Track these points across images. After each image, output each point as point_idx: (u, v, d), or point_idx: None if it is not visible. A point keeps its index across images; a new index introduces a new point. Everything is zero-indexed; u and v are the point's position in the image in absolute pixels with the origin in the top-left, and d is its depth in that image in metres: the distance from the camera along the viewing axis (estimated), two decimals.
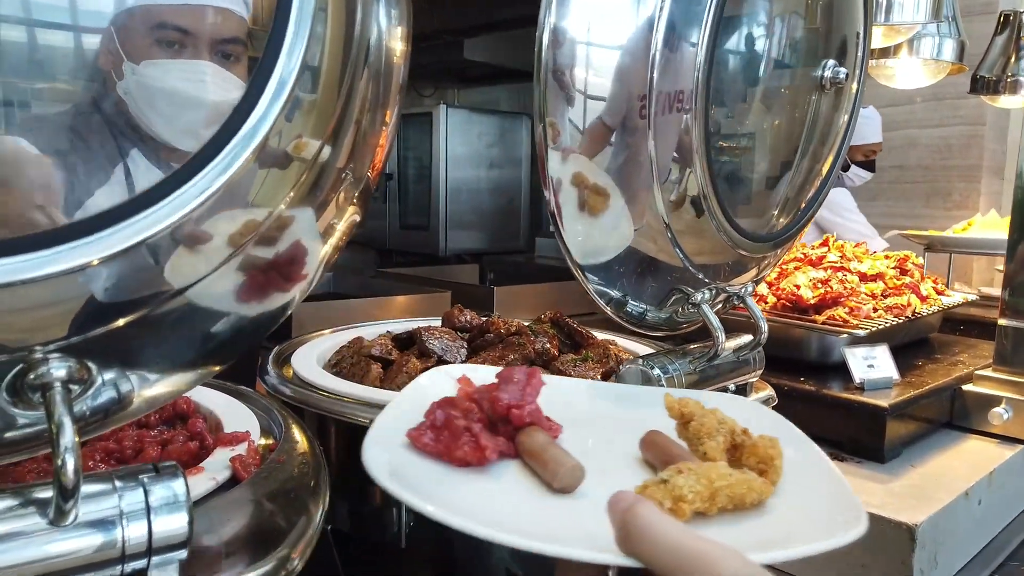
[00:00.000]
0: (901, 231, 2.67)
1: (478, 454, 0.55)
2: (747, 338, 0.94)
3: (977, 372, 1.53)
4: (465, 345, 1.08)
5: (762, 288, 1.67)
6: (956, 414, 1.54)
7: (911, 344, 1.78)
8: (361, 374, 0.99)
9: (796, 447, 0.59)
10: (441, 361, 1.05)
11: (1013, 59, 2.24)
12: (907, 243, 2.79)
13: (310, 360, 1.04)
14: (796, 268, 1.70)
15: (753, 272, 0.94)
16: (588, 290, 0.80)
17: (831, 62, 0.79)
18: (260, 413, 0.81)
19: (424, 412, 0.59)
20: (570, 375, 1.04)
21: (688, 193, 0.73)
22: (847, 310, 1.53)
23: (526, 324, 1.12)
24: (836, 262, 1.71)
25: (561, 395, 0.66)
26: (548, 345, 1.07)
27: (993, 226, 2.45)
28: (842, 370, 1.47)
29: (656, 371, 0.82)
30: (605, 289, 0.81)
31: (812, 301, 1.55)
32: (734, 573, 0.41)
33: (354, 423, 0.86)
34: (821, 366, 1.53)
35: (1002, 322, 1.53)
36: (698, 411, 0.60)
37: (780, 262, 1.01)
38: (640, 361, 0.82)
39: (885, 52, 1.76)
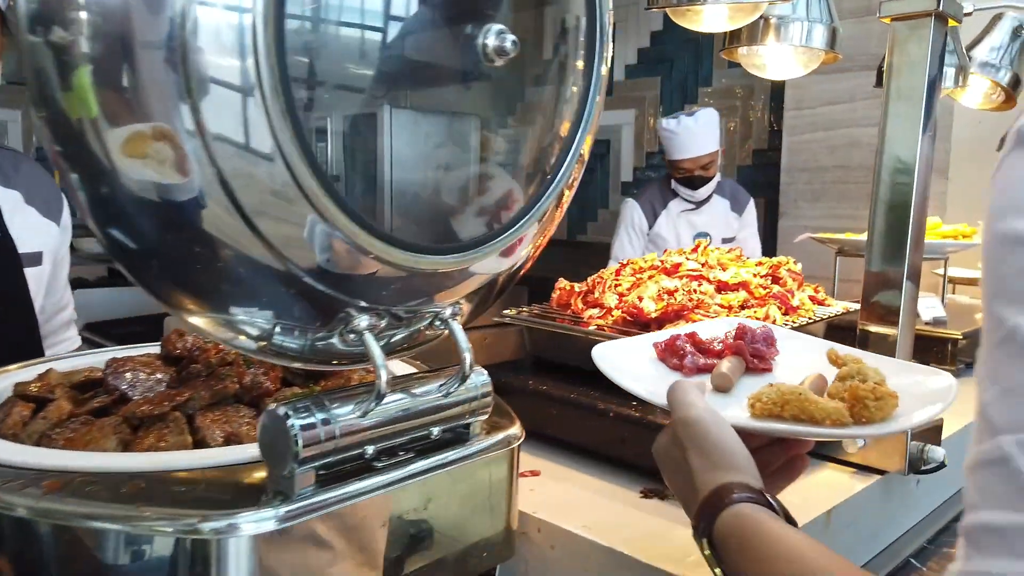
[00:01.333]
0: (813, 234, 2.51)
1: (678, 366, 0.94)
2: (455, 375, 0.77)
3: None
4: (166, 380, 0.91)
5: (611, 299, 1.50)
6: None
7: None
8: (2, 418, 0.82)
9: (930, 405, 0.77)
10: (125, 398, 0.87)
11: None
12: (822, 248, 2.63)
13: None
14: (650, 277, 1.54)
15: (467, 287, 0.77)
16: (192, 326, 0.63)
17: (495, 27, 0.62)
18: None
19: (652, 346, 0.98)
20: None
21: (282, 193, 0.56)
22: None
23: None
24: (695, 270, 1.55)
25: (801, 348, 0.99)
26: (262, 378, 0.90)
27: None
28: None
29: (294, 421, 0.64)
30: (227, 316, 0.64)
31: (653, 315, 1.38)
32: (680, 401, 0.76)
33: None
34: None
35: (864, 328, 1.37)
36: (851, 362, 0.85)
37: (520, 268, 0.84)
38: (281, 410, 0.65)
39: (753, 38, 1.61)
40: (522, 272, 0.90)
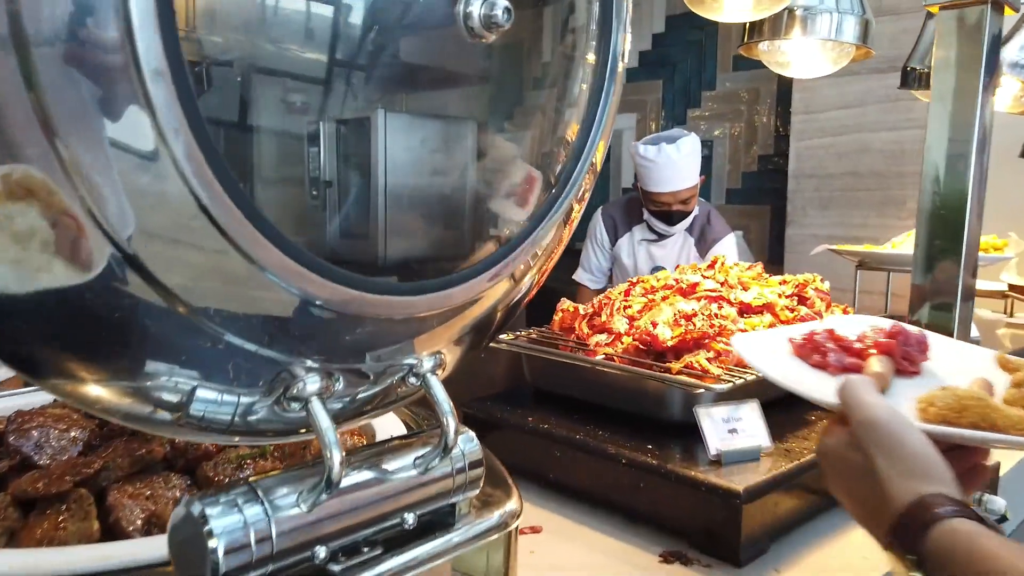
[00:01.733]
0: (831, 246, 2.35)
1: (820, 363, 0.83)
2: (433, 444, 0.60)
3: None
4: (83, 438, 0.74)
5: (620, 324, 1.33)
6: None
7: None
8: None
9: None
10: (27, 465, 0.71)
11: None
12: (840, 260, 2.47)
13: None
14: (664, 299, 1.37)
15: (451, 329, 0.60)
16: (77, 399, 0.46)
17: None
18: None
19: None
20: (218, 481, 0.70)
21: (174, 208, 0.40)
22: (712, 355, 1.20)
23: None
24: (714, 290, 1.38)
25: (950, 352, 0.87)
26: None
27: None
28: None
29: (213, 524, 0.48)
30: (122, 384, 0.47)
31: (670, 343, 1.22)
32: (860, 400, 0.67)
33: None
34: (686, 426, 1.20)
35: None
36: None
37: (523, 297, 0.68)
38: (196, 507, 0.48)
39: (776, 31, 1.44)
40: (526, 301, 0.73)
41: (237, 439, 0.56)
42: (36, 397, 0.91)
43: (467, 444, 0.64)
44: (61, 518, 0.60)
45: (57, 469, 0.65)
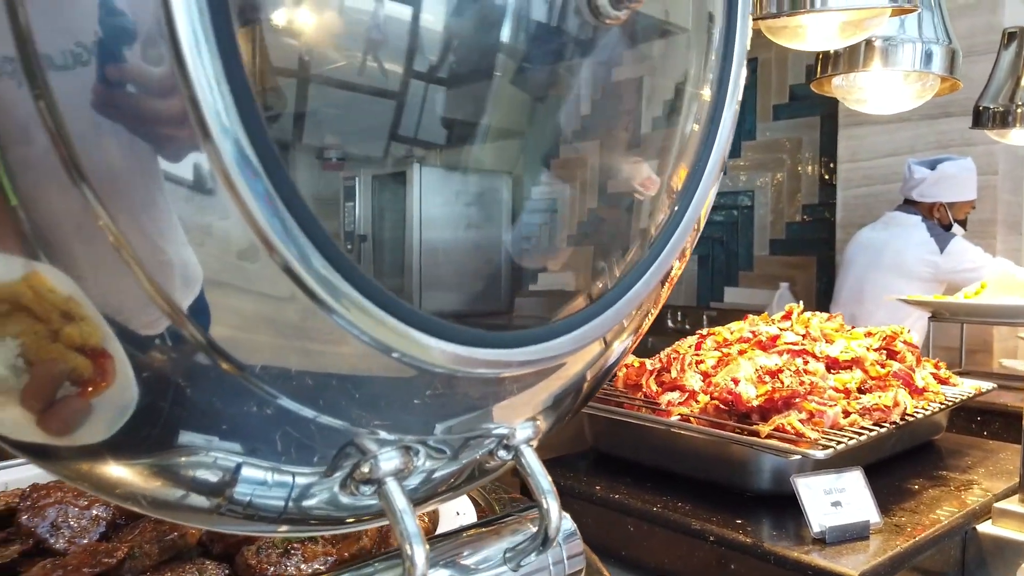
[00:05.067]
0: (900, 297, 2.21)
1: None
2: (526, 531, 0.49)
3: (997, 505, 1.06)
4: (106, 518, 0.64)
5: (693, 380, 1.21)
6: (970, 567, 1.06)
7: (905, 455, 1.31)
8: None
9: None
10: (42, 549, 0.60)
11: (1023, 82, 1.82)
12: (904, 314, 2.33)
13: None
14: (741, 352, 1.25)
15: (542, 393, 0.50)
16: (84, 479, 0.36)
17: None
18: None
19: None
20: (261, 569, 0.59)
21: (226, 246, 0.30)
22: (804, 415, 1.08)
23: None
24: (796, 343, 1.26)
25: None
26: None
27: (1008, 289, 1.99)
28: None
29: None
30: (140, 462, 0.37)
31: (755, 403, 1.09)
32: None
33: None
34: (778, 497, 1.07)
35: None
36: None
37: (616, 362, 0.58)
38: None
39: (854, 63, 1.35)
40: (618, 367, 0.62)
41: (284, 528, 0.46)
42: None
43: (563, 531, 0.52)
44: None
45: (75, 558, 0.54)
